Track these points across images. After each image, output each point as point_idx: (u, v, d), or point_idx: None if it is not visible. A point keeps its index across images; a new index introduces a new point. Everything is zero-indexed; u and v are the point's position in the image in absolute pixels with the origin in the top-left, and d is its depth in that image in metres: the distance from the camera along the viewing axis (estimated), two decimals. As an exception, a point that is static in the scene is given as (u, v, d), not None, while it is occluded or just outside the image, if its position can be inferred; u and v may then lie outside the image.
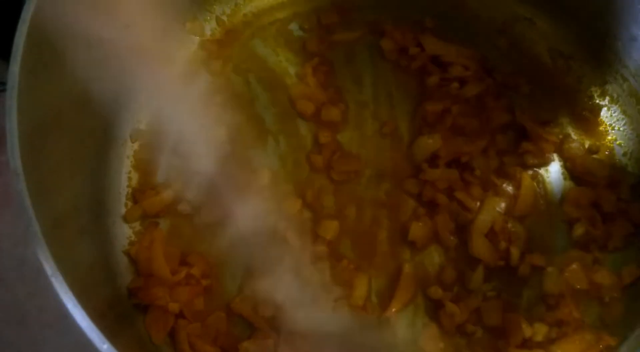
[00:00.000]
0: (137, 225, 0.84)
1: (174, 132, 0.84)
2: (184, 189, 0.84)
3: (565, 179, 0.89)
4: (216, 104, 0.89)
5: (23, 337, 0.85)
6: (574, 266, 0.81)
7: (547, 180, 0.89)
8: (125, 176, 0.85)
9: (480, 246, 0.83)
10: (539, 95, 0.92)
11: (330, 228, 0.84)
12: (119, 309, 0.76)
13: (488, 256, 0.82)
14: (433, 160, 0.87)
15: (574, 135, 0.90)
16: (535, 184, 0.88)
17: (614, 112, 0.90)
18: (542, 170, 0.89)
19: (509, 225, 0.84)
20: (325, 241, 0.83)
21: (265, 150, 0.90)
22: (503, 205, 0.85)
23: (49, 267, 0.57)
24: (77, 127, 0.75)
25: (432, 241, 0.86)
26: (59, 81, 0.69)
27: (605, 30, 0.86)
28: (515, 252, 0.82)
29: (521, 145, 0.88)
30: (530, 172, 0.88)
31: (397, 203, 0.87)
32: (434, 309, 0.82)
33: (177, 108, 0.78)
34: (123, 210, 0.84)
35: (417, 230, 0.84)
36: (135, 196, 0.85)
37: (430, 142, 0.87)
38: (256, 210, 0.79)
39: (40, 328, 0.85)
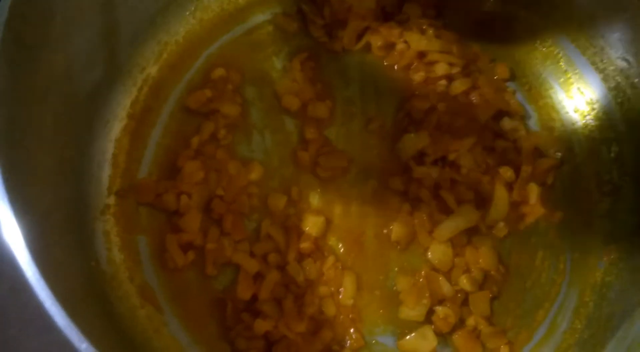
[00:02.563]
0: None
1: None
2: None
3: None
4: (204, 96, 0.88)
5: (3, 334, 0.83)
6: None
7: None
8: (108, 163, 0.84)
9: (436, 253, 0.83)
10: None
11: (316, 224, 0.83)
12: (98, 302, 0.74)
13: (443, 266, 0.82)
14: (420, 157, 0.87)
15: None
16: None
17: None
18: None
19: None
20: (311, 238, 0.82)
21: (250, 144, 0.88)
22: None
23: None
24: (59, 108, 0.74)
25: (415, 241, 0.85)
26: (40, 64, 0.68)
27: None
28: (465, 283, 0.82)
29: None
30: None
31: (383, 200, 0.87)
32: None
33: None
34: (105, 202, 0.82)
35: (399, 230, 0.84)
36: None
37: (417, 140, 0.86)
38: None
39: (22, 325, 0.83)
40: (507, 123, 0.89)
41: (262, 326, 0.76)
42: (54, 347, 0.82)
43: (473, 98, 0.90)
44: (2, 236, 0.58)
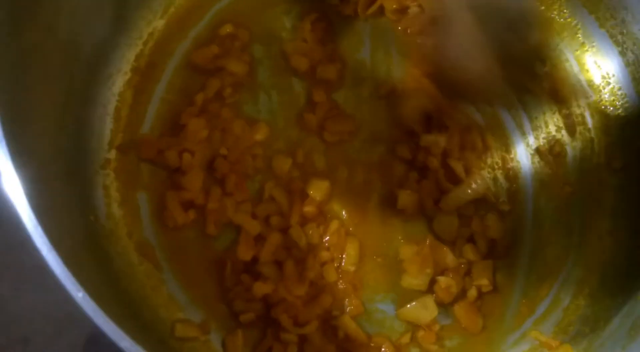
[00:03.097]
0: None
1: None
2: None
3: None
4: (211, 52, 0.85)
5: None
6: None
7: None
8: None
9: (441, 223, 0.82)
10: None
11: (321, 188, 0.81)
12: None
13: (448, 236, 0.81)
14: (427, 122, 0.85)
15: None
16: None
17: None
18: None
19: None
20: (315, 202, 0.81)
21: (256, 104, 0.86)
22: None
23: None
24: (61, 60, 0.72)
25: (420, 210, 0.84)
26: (42, 14, 0.65)
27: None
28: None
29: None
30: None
31: (390, 167, 0.85)
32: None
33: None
34: (106, 156, 0.81)
35: (405, 198, 0.82)
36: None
37: (423, 102, 0.84)
38: None
39: (17, 283, 0.82)
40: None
41: (261, 288, 0.75)
42: (49, 304, 0.81)
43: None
44: (1, 186, 0.57)
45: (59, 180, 0.70)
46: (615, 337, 0.72)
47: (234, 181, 0.80)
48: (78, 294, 0.50)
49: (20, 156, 0.58)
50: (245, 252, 0.77)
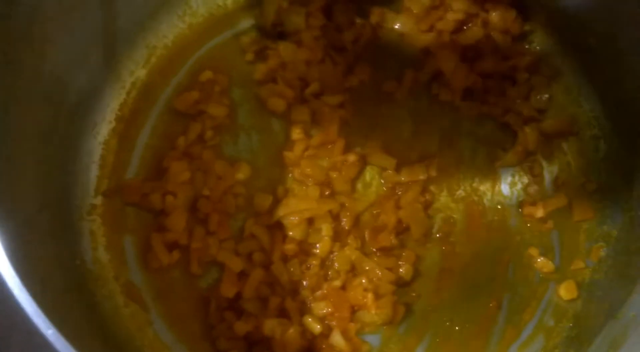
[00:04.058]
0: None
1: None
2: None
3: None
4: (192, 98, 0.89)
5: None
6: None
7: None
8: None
9: None
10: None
11: (299, 227, 0.83)
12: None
13: None
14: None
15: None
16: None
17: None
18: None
19: None
20: (295, 240, 0.82)
21: (237, 145, 0.89)
22: None
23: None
24: (44, 111, 0.75)
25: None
26: (24, 66, 0.69)
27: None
28: None
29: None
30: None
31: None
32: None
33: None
34: (92, 202, 0.83)
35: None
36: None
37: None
38: None
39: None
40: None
41: (242, 327, 0.76)
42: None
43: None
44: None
45: (43, 229, 0.72)
46: (596, 357, 0.72)
47: (216, 220, 0.82)
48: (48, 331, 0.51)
49: (2, 211, 0.60)
50: (228, 289, 0.78)
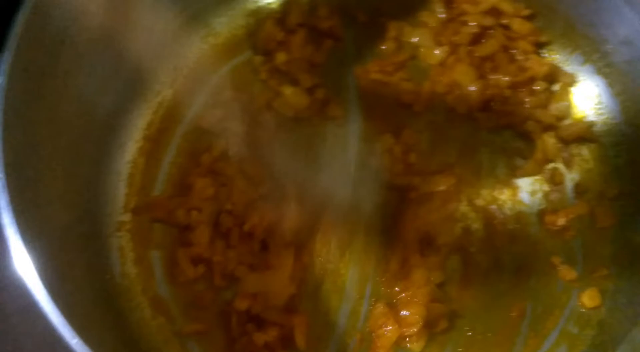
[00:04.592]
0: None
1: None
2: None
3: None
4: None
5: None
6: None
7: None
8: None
9: None
10: None
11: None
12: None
13: None
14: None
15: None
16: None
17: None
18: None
19: None
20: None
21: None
22: None
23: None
24: (73, 131, 0.78)
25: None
26: (51, 91, 0.73)
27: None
28: None
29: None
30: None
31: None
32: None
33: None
34: (120, 219, 0.86)
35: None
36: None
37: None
38: None
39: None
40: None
41: (261, 337, 0.78)
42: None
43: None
44: (13, 265, 0.61)
45: (73, 247, 0.75)
46: (618, 365, 0.71)
47: (237, 234, 0.84)
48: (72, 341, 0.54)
49: (31, 232, 0.63)
50: (241, 302, 0.80)
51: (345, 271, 0.85)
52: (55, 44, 0.74)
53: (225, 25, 0.97)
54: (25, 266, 0.61)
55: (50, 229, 0.71)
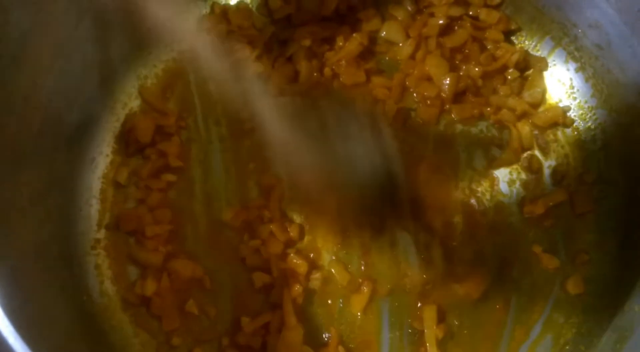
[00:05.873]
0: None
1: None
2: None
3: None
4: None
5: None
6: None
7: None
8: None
9: None
10: None
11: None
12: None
13: None
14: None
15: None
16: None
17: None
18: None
19: None
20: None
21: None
22: None
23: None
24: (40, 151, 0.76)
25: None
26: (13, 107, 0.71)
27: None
28: None
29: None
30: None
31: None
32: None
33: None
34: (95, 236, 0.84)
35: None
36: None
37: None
38: None
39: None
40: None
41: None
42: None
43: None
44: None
45: (45, 270, 0.73)
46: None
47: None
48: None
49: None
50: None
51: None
52: (16, 57, 0.71)
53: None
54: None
55: (18, 252, 0.69)
